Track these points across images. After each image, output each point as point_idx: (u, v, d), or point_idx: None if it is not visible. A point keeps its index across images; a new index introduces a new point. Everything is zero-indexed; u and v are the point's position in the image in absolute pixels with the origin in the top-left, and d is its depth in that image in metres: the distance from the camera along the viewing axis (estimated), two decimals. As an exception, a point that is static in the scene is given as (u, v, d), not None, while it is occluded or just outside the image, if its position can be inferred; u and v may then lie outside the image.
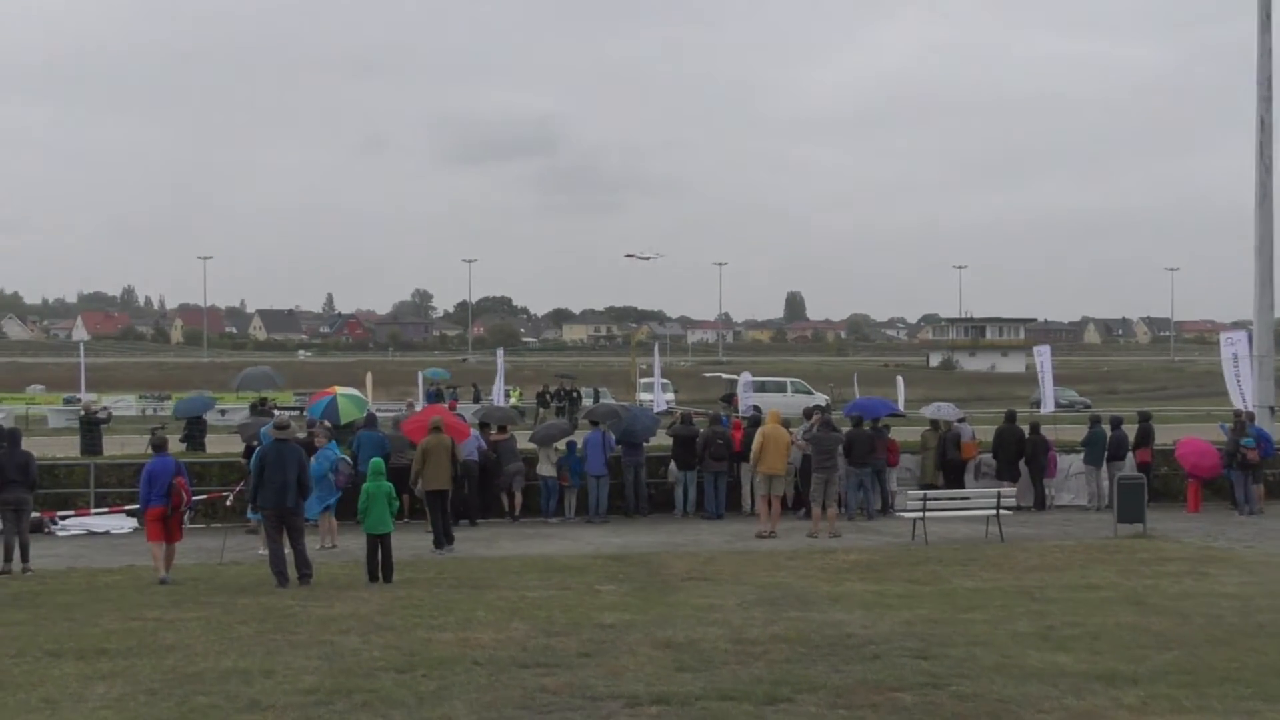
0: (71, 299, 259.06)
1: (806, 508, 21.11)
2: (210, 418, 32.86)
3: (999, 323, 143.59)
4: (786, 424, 21.57)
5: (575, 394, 52.02)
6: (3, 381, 70.34)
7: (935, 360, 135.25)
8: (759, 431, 20.63)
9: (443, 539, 18.65)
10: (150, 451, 16.76)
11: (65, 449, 29.12)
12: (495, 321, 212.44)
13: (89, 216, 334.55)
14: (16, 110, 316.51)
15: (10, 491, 16.46)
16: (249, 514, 18.33)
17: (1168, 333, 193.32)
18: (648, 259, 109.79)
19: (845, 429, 22.33)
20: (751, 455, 20.62)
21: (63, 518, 21.10)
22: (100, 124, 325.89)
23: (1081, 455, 24.22)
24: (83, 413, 30.47)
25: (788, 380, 60.59)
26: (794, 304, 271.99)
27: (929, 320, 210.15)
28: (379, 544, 15.33)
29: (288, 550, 15.18)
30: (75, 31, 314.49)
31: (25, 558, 16.57)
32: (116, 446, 29.20)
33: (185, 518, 16.53)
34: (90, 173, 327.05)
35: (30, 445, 18.20)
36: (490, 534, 20.64)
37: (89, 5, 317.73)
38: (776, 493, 20.28)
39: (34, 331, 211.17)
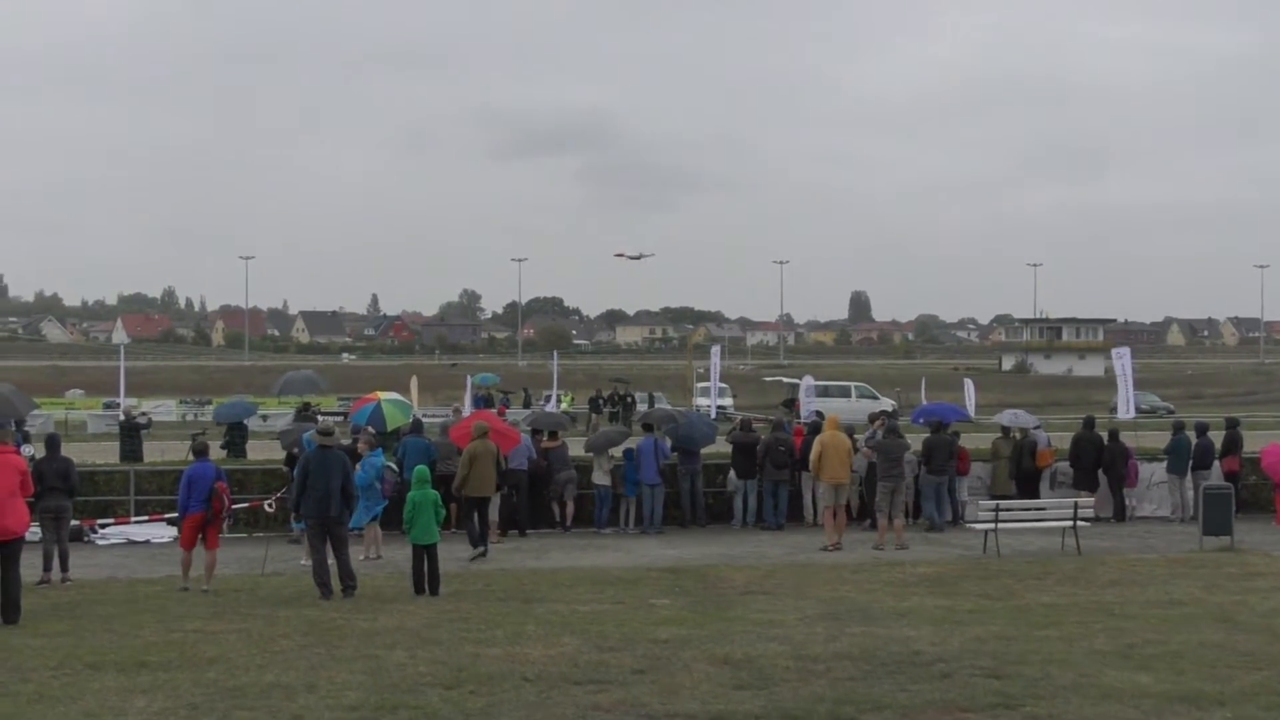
0: (111, 301, 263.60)
1: (872, 518, 21.01)
2: (252, 423, 33.23)
3: (1076, 323, 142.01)
4: (851, 430, 21.47)
5: (629, 399, 52.10)
6: (42, 386, 71.31)
7: (1008, 363, 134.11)
8: (817, 439, 20.56)
9: (479, 539, 18.83)
10: (191, 457, 16.95)
11: (105, 455, 29.57)
12: (546, 323, 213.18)
13: (130, 217, 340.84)
14: (56, 109, 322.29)
15: (50, 499, 16.70)
16: (292, 523, 18.53)
17: (1257, 333, 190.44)
18: (637, 258, 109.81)
19: (910, 436, 22.21)
20: (811, 463, 20.55)
21: (102, 526, 21.40)
22: (140, 122, 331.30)
23: (1164, 464, 23.92)
24: (122, 418, 30.90)
25: (852, 384, 60.29)
26: (859, 304, 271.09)
27: (1001, 321, 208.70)
28: (425, 555, 15.41)
29: (331, 561, 15.31)
30: (116, 30, 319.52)
31: (65, 567, 16.82)
32: (157, 453, 29.57)
33: (224, 525, 16.74)
34: (131, 172, 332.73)
35: (69, 451, 18.49)
36: (541, 545, 20.71)
37: (129, 2, 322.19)
38: (841, 502, 20.19)
39: (73, 334, 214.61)
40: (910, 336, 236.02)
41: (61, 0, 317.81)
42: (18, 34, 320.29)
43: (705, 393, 51.71)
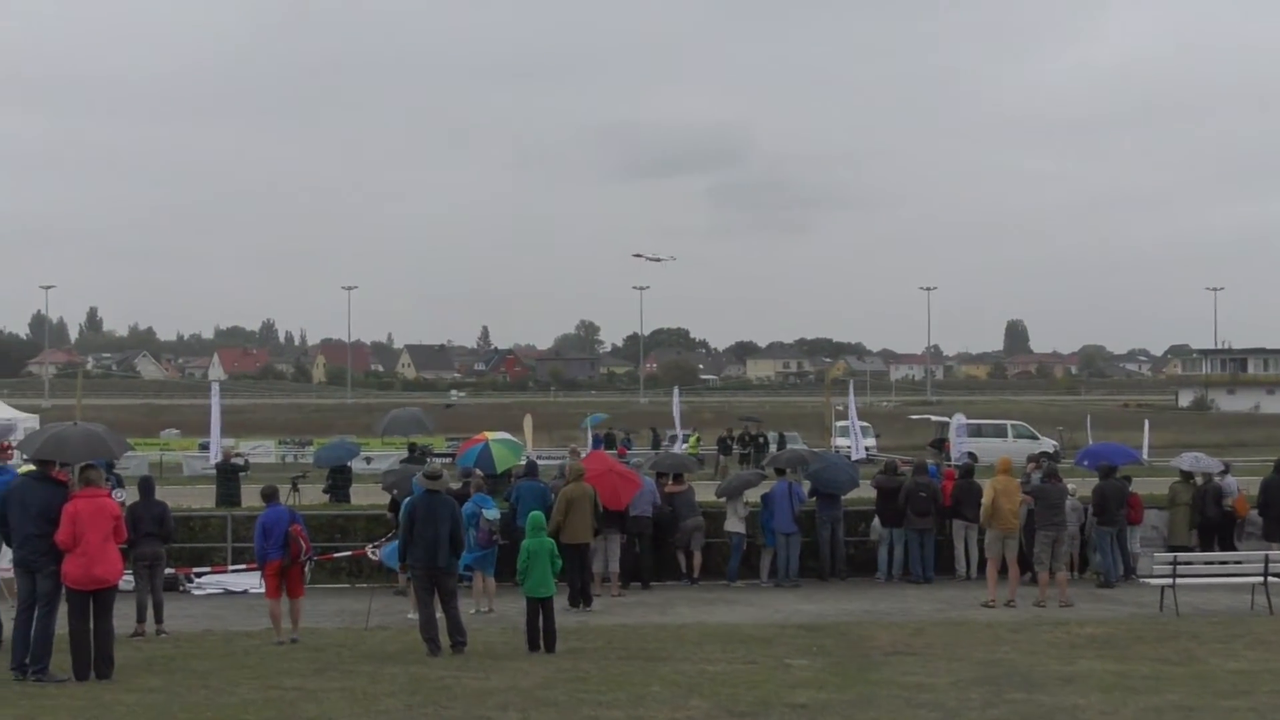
0: (208, 335, 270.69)
1: (1032, 571, 20.66)
2: (355, 465, 33.77)
3: (1263, 354, 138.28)
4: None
5: (762, 439, 51.94)
6: (136, 425, 73.51)
7: (1185, 399, 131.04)
8: (989, 485, 20.29)
9: (579, 597, 18.90)
10: (262, 504, 17.38)
11: (201, 499, 30.27)
12: (670, 357, 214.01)
13: (227, 245, 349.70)
14: (148, 133, 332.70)
15: (144, 546, 17.18)
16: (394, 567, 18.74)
17: None
18: (659, 261, 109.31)
19: (1075, 480, 21.82)
20: (983, 512, 20.26)
21: (198, 574, 21.89)
22: (236, 146, 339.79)
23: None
24: (219, 459, 31.60)
25: (1008, 423, 59.36)
26: (1015, 334, 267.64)
27: (1177, 352, 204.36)
28: (540, 608, 15.49)
29: (439, 615, 15.47)
30: (213, 53, 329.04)
31: (159, 618, 17.27)
32: (256, 497, 30.17)
33: (305, 570, 17.11)
34: (228, 198, 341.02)
35: (164, 495, 18.98)
36: (665, 598, 20.70)
37: (230, 25, 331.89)
38: (1011, 555, 19.89)
39: (169, 370, 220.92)
40: (1073, 370, 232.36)
41: (158, 24, 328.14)
42: (112, 57, 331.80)
43: (844, 432, 51.37)
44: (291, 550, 16.34)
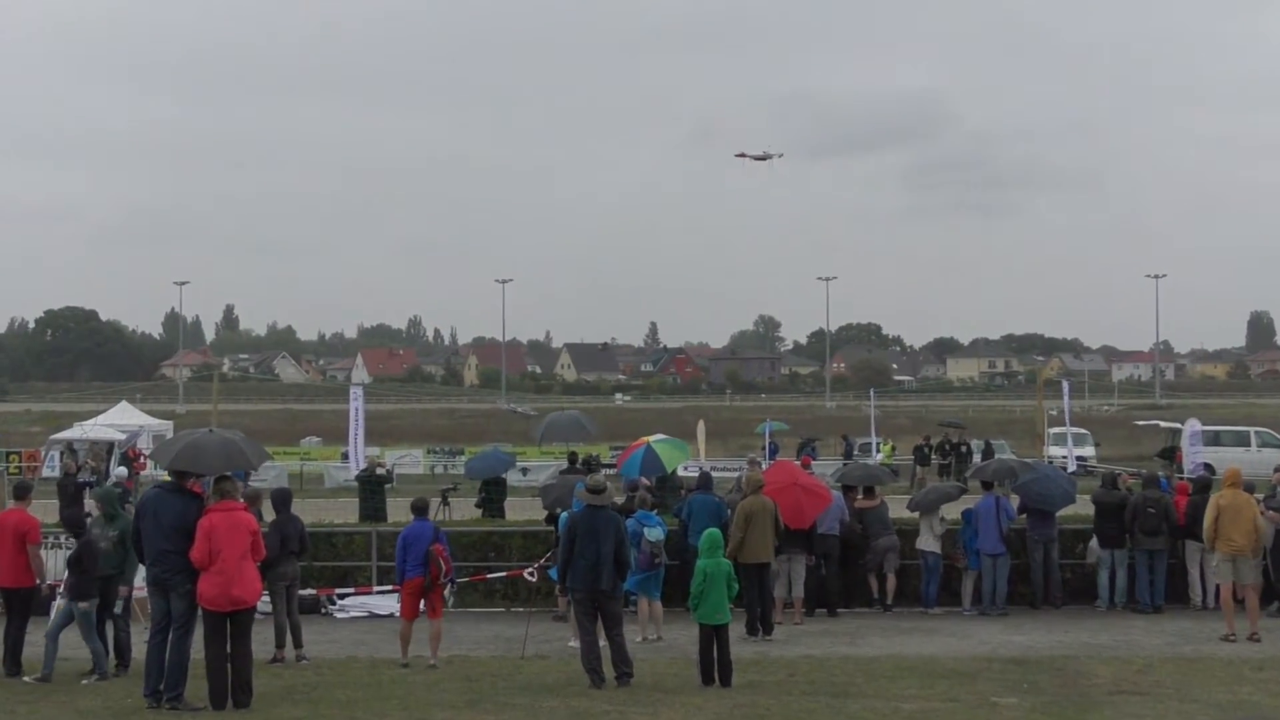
0: (351, 334, 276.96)
1: (1279, 601, 20.13)
2: (511, 476, 34.17)
3: None
4: (1251, 488, 20.62)
5: (964, 448, 51.35)
6: (275, 432, 75.33)
7: None
8: (1212, 499, 19.82)
9: (757, 624, 18.93)
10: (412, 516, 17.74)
11: (343, 513, 30.93)
12: (860, 355, 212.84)
13: (372, 237, 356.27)
14: (285, 114, 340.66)
15: (281, 565, 17.67)
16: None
17: None
18: (762, 158, 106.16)
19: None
20: (1205, 530, 19.80)
21: (340, 596, 22.38)
22: (380, 129, 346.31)
23: None
24: (362, 470, 32.23)
25: (1251, 430, 57.71)
26: (1260, 327, 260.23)
27: None
28: (715, 637, 15.52)
29: (603, 643, 15.60)
30: (352, 26, 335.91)
31: (298, 643, 17.73)
32: (403, 511, 30.76)
33: (446, 592, 17.42)
34: (373, 186, 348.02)
35: (302, 509, 19.49)
36: (855, 626, 20.61)
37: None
38: (1244, 581, 19.38)
39: (310, 372, 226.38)
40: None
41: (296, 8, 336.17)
42: (245, 37, 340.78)
43: (1060, 440, 50.54)
44: (431, 571, 16.71)
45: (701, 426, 47.91)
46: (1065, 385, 48.42)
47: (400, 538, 17.33)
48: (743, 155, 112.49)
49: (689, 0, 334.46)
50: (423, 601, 17.06)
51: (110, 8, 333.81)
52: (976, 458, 47.26)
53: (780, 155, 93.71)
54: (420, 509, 17.67)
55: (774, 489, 19.87)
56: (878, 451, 52.89)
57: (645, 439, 25.06)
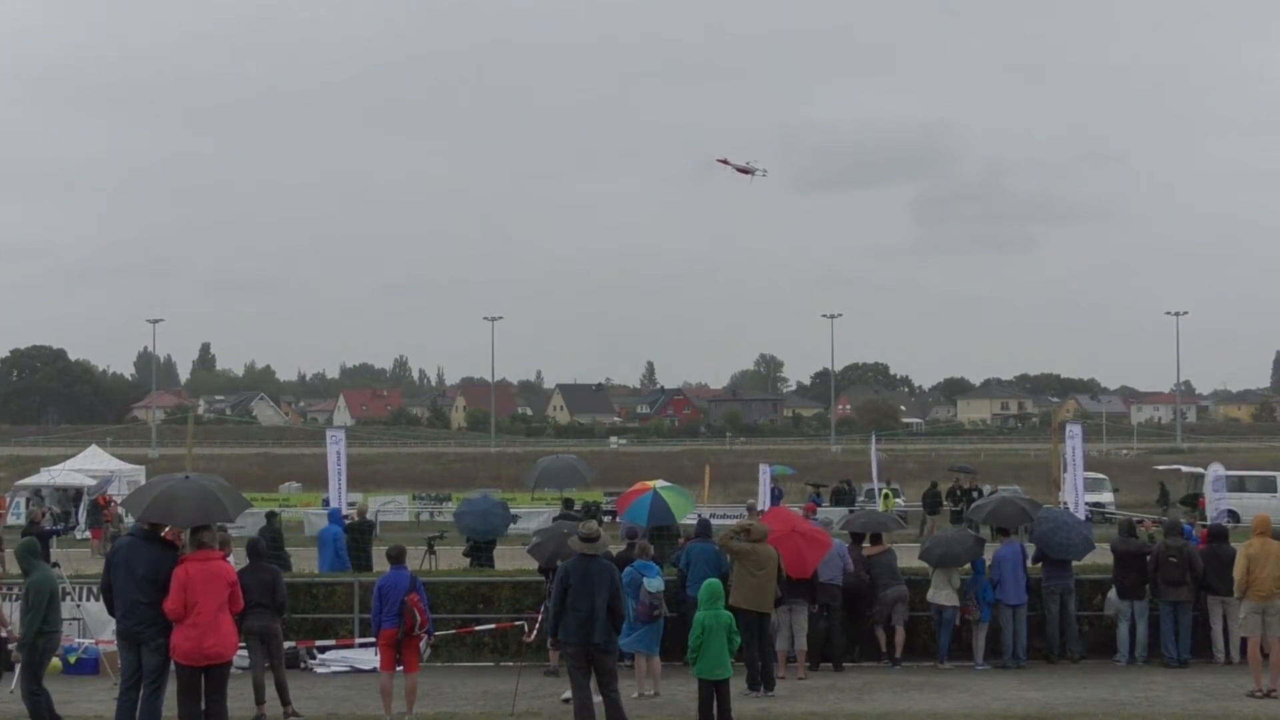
0: (333, 374, 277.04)
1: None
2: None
3: None
4: (1279, 535, 20.63)
5: (976, 493, 51.27)
6: (253, 477, 75.25)
7: None
8: (1242, 548, 19.81)
9: (759, 679, 18.84)
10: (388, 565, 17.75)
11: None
12: (866, 396, 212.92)
13: (354, 272, 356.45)
14: (260, 148, 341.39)
15: (255, 618, 17.49)
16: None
17: None
18: (749, 173, 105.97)
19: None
20: (1236, 579, 19.78)
21: (321, 649, 22.28)
22: (364, 159, 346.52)
23: None
24: (348, 517, 32.07)
25: (1277, 475, 57.74)
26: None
27: None
28: (715, 692, 15.49)
29: (597, 699, 15.55)
30: (339, 60, 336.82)
31: (285, 699, 17.55)
32: (387, 560, 30.70)
33: (422, 645, 17.39)
34: (355, 218, 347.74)
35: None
36: (862, 681, 20.55)
37: (357, 30, 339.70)
38: (1273, 633, 19.34)
39: (289, 414, 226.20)
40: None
41: (285, 35, 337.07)
42: (232, 70, 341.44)
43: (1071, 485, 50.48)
44: (405, 622, 16.68)
45: (709, 471, 47.86)
46: (1068, 428, 48.20)
47: (376, 587, 17.33)
48: (725, 162, 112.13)
49: (689, 34, 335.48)
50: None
51: (80, 41, 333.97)
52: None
53: (764, 172, 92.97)
54: (396, 557, 17.62)
55: (773, 537, 19.87)
56: (880, 498, 52.77)
57: (648, 484, 24.97)
